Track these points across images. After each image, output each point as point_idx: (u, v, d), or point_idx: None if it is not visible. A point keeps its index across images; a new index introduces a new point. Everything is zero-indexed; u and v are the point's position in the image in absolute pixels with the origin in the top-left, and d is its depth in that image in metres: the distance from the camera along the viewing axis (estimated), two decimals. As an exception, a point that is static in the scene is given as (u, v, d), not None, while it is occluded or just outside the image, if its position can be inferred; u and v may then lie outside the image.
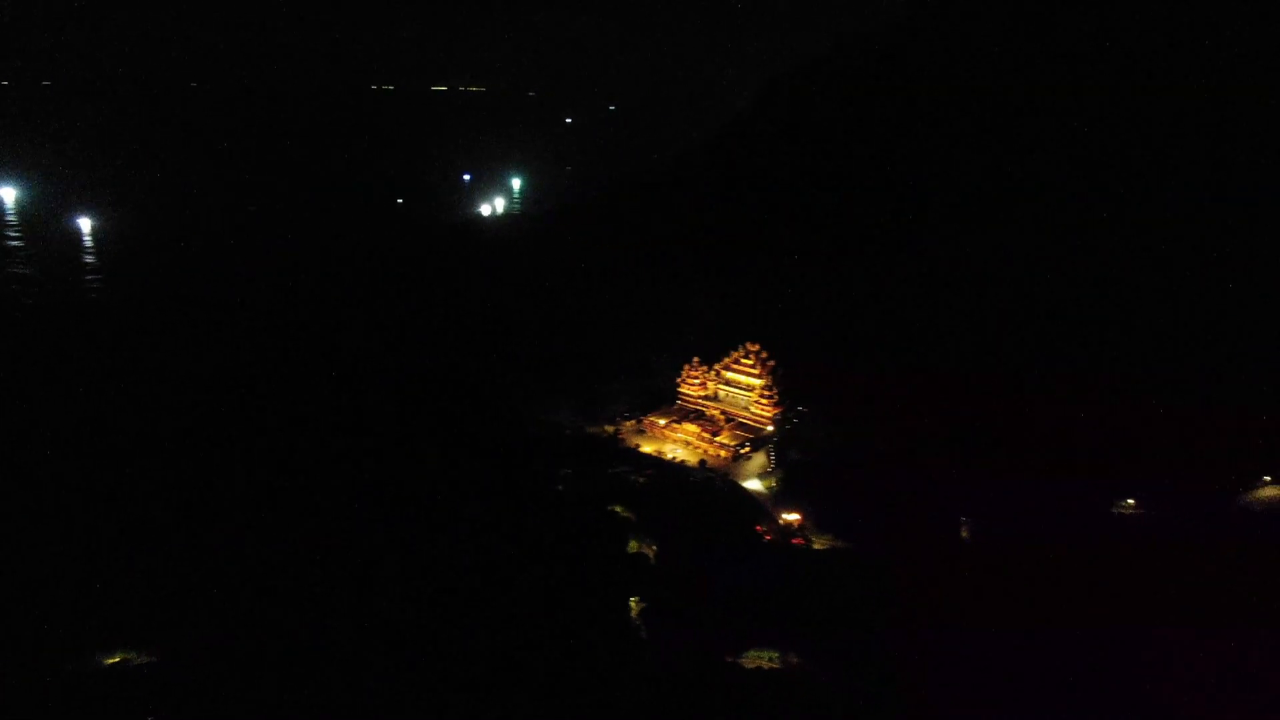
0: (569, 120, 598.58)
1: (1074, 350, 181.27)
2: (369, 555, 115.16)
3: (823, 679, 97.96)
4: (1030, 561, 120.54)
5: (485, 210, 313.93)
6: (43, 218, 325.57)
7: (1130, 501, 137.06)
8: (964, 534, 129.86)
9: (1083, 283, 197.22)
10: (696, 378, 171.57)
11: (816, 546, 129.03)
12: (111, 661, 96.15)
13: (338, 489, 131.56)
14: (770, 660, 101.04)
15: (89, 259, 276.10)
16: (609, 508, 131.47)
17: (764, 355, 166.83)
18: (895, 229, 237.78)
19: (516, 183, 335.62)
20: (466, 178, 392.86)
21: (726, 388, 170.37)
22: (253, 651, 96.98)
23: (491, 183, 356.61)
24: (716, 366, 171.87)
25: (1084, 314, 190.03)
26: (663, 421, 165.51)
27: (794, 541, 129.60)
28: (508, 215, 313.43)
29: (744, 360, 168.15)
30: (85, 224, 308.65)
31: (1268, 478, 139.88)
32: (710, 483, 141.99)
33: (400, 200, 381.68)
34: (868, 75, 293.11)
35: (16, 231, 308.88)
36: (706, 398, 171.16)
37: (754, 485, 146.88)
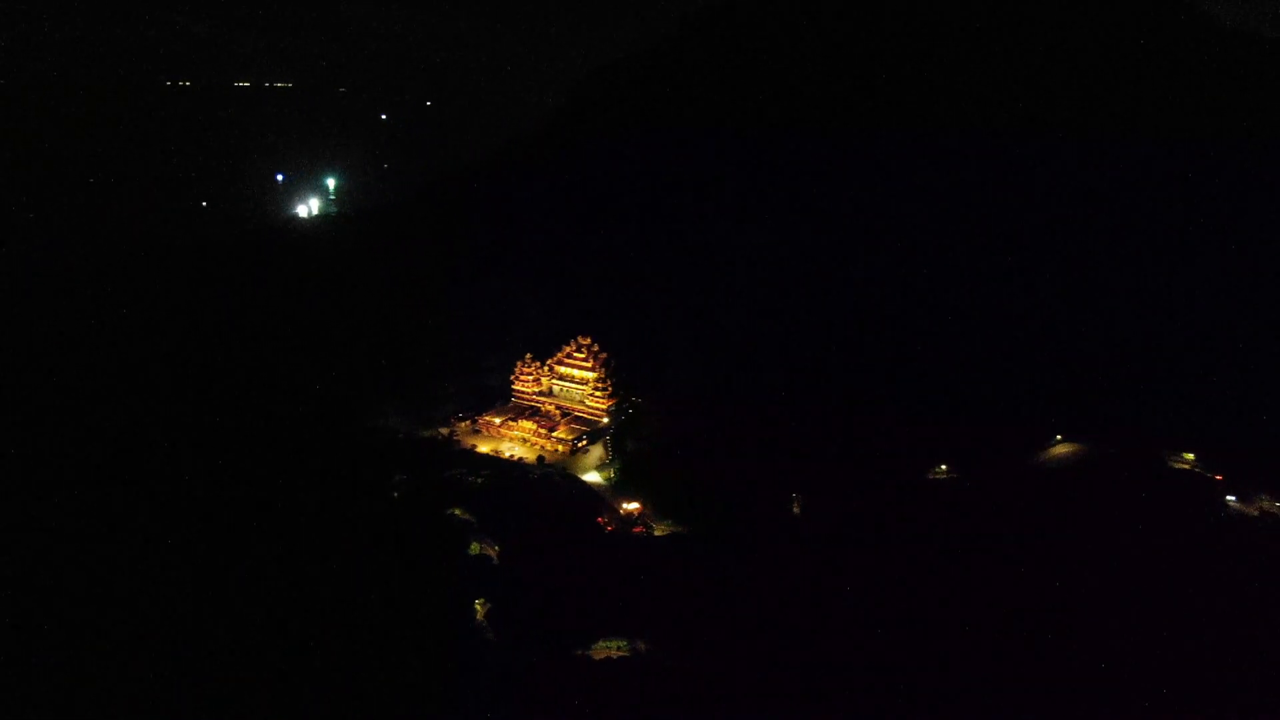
0: (384, 117, 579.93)
1: (882, 333, 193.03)
2: (193, 575, 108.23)
3: (671, 662, 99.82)
4: (857, 529, 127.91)
5: (302, 211, 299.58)
6: None
7: (943, 467, 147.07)
8: (796, 509, 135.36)
9: (880, 276, 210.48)
10: (530, 374, 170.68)
11: (658, 533, 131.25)
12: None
13: (151, 511, 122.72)
14: (619, 649, 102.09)
15: None
16: (447, 511, 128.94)
17: (596, 348, 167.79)
18: (712, 223, 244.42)
19: (332, 182, 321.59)
20: (280, 178, 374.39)
21: (560, 382, 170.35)
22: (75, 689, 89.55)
23: (306, 182, 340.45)
24: (549, 362, 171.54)
25: (887, 300, 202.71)
26: (498, 420, 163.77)
27: (635, 530, 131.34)
28: (324, 216, 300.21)
29: (576, 354, 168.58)
30: None
31: (1060, 436, 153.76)
32: (549, 478, 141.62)
33: (205, 203, 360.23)
34: (683, 68, 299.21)
35: None
36: (541, 394, 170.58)
37: (593, 478, 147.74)
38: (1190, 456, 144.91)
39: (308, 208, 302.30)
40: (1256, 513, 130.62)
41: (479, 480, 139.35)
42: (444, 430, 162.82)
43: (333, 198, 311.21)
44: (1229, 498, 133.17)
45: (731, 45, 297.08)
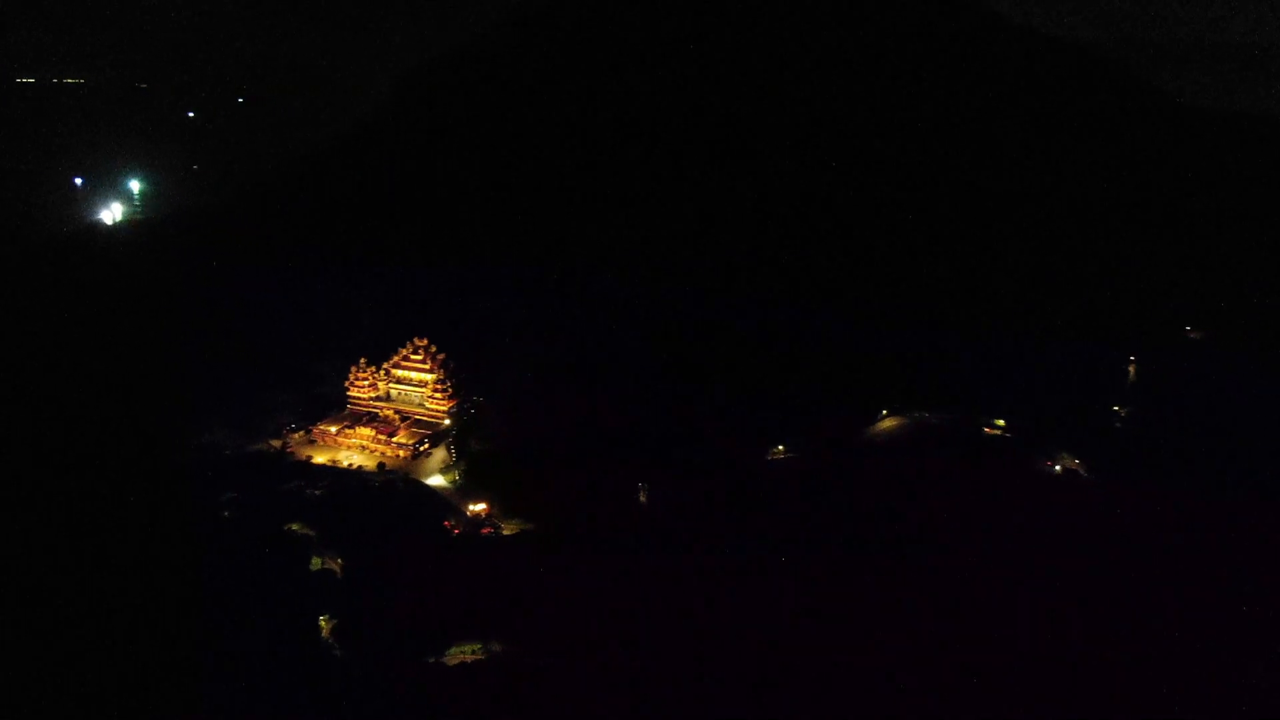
0: (191, 115, 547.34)
1: (719, 327, 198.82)
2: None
3: (527, 661, 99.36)
4: (704, 513, 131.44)
5: (105, 217, 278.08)
6: None
7: (780, 448, 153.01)
8: (642, 498, 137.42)
9: (714, 272, 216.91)
10: (366, 379, 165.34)
11: (506, 532, 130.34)
12: None
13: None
14: (473, 652, 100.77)
15: None
16: (285, 527, 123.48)
17: (434, 350, 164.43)
18: (548, 219, 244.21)
19: (136, 185, 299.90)
20: (77, 181, 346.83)
21: (399, 386, 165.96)
22: None
23: (108, 186, 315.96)
24: (386, 366, 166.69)
25: (722, 295, 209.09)
26: (334, 429, 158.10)
27: (483, 531, 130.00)
28: (129, 221, 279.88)
29: (414, 356, 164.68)
30: None
31: (885, 411, 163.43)
32: (391, 485, 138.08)
33: None
34: (514, 61, 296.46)
35: None
36: (378, 399, 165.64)
37: (437, 481, 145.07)
38: (1001, 423, 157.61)
39: (111, 213, 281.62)
40: (1060, 470, 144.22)
41: (317, 492, 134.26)
42: (276, 443, 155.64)
43: (138, 202, 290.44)
44: (1046, 460, 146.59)
45: (564, 37, 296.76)
